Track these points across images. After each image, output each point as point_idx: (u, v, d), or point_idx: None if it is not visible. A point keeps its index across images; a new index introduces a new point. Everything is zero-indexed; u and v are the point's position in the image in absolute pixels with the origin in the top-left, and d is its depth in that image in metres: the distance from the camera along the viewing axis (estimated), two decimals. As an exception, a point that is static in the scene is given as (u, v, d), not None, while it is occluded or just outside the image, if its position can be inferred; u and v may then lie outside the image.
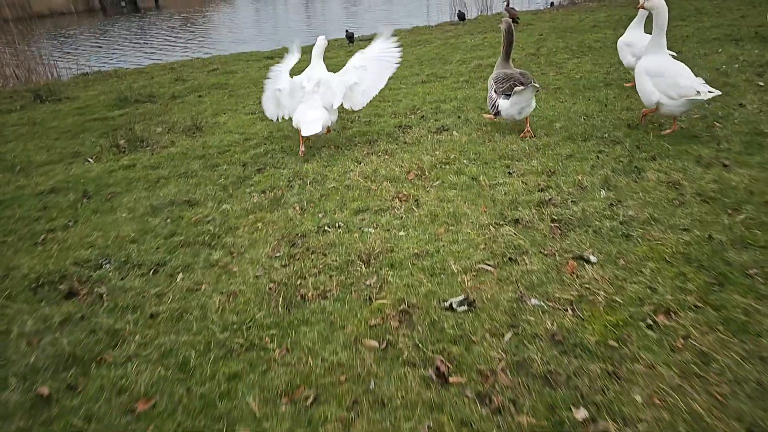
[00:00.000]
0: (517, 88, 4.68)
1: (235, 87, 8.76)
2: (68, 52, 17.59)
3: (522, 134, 5.05)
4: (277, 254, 3.40)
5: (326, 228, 3.67)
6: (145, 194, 4.63)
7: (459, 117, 5.90)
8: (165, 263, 3.43)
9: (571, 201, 3.62)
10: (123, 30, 23.10)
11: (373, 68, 5.30)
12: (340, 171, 4.72)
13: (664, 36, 4.61)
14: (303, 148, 5.26)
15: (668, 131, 4.68)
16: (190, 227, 3.91)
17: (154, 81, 9.98)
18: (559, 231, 3.25)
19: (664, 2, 4.55)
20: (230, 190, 4.56)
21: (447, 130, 5.53)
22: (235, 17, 27.58)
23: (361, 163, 4.88)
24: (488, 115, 5.38)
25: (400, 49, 5.57)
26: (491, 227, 3.40)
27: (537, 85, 4.71)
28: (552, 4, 15.65)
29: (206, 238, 3.70)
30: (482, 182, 4.12)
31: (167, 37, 19.70)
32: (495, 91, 5.02)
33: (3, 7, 33.80)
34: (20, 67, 11.90)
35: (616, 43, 6.41)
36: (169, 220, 4.08)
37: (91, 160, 5.77)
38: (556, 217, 3.42)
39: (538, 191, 3.86)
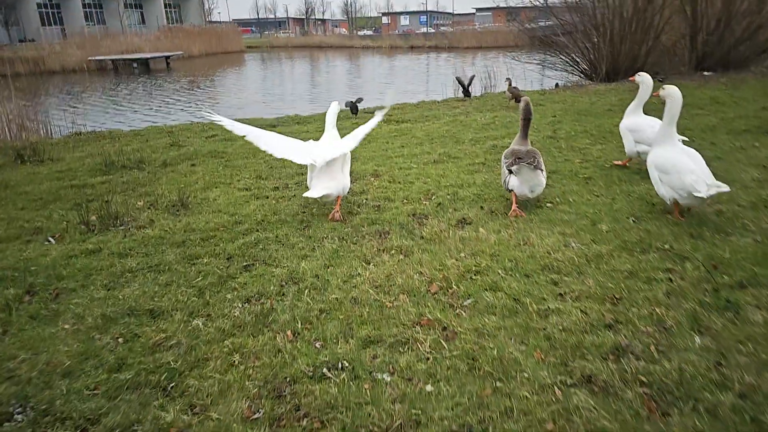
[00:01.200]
0: (513, 168, 4.61)
1: (231, 157, 7.94)
2: (64, 109, 16.98)
3: (510, 213, 4.79)
4: (256, 415, 2.36)
5: (325, 370, 2.64)
6: (102, 294, 3.62)
7: (482, 207, 5.02)
8: (97, 421, 2.37)
9: (657, 349, 2.64)
10: (126, 90, 22.77)
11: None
12: (345, 274, 3.75)
13: (675, 126, 4.43)
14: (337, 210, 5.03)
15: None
16: (146, 355, 2.87)
17: (148, 144, 9.17)
18: (655, 406, 2.24)
19: (679, 93, 4.41)
20: (207, 295, 3.55)
21: (470, 224, 4.62)
22: (243, 81, 27.53)
23: (371, 264, 3.92)
24: (513, 212, 4.86)
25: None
26: (556, 389, 2.39)
27: (531, 165, 4.53)
28: (557, 85, 15.36)
29: (163, 378, 2.65)
30: (528, 306, 3.15)
31: (170, 99, 19.27)
32: (506, 168, 4.84)
33: (17, 62, 34.00)
34: (12, 122, 11.14)
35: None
36: (121, 340, 3.04)
37: (52, 239, 4.79)
38: (644, 379, 2.43)
39: (606, 328, 2.88)
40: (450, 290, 3.43)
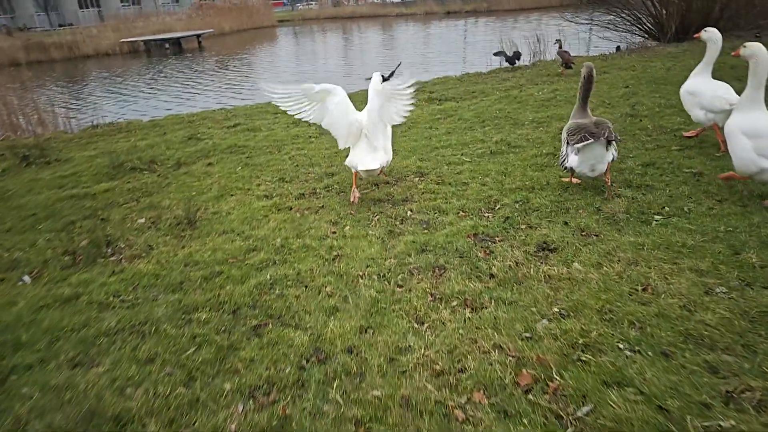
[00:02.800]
0: (578, 144, 3.93)
1: (254, 152, 6.87)
2: (81, 99, 16.30)
3: (606, 194, 4.13)
4: None
5: None
6: (62, 379, 2.63)
7: (566, 223, 3.77)
8: None
9: None
10: (155, 74, 21.98)
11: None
12: (391, 346, 2.62)
13: (762, 91, 3.77)
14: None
15: None
16: None
17: (164, 139, 8.22)
18: None
19: (765, 50, 3.79)
20: (197, 383, 2.50)
21: (555, 251, 3.40)
22: (274, 58, 26.40)
23: (425, 326, 2.78)
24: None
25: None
26: None
27: (607, 139, 3.87)
28: (618, 48, 13.52)
29: None
30: (684, 422, 1.97)
31: (198, 81, 18.37)
32: (568, 144, 4.14)
33: (51, 48, 33.86)
34: (26, 115, 10.42)
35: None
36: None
37: (27, 278, 3.85)
38: None
39: None
40: (551, 384, 2.26)
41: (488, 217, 4.06)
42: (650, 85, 8.18)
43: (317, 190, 5.17)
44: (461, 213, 4.18)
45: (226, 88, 16.31)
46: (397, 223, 4.16)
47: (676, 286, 2.86)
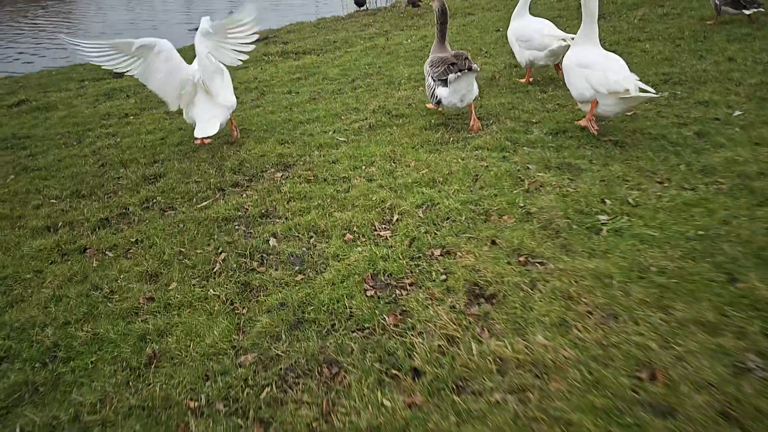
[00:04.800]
0: (450, 76, 3.76)
1: (40, 145, 4.62)
2: None
3: (469, 128, 3.94)
4: None
5: None
6: None
7: (495, 242, 2.53)
8: None
9: None
10: None
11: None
12: None
13: (596, 25, 3.70)
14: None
15: None
16: None
17: None
18: None
19: None
20: None
21: (495, 302, 2.13)
22: (101, 2, 21.46)
23: None
24: (430, 105, 4.32)
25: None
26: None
27: (475, 68, 3.77)
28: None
29: None
30: None
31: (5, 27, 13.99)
32: (432, 78, 4.00)
33: None
34: None
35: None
36: None
37: None
38: None
39: None
40: None
41: (386, 238, 2.66)
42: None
43: (130, 209, 3.34)
44: (348, 235, 2.72)
45: (24, 47, 12.49)
46: (254, 264, 2.59)
47: (692, 367, 1.75)
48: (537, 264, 2.34)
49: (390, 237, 2.61)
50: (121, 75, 7.18)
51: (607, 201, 2.73)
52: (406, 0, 10.82)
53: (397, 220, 2.74)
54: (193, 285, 2.47)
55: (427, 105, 4.35)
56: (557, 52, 4.60)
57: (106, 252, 2.90)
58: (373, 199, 2.97)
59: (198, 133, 3.87)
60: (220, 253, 2.72)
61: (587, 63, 3.61)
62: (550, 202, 2.77)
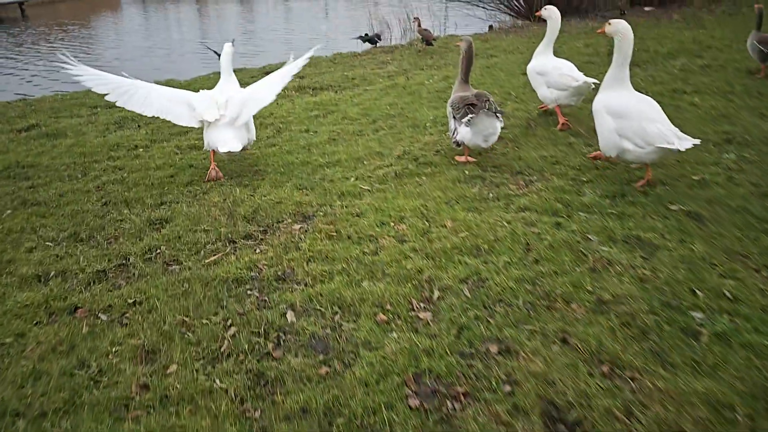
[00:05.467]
0: (466, 119, 3.73)
1: (44, 176, 4.26)
2: None
3: (461, 158, 3.98)
4: None
5: None
6: None
7: (566, 341, 2.09)
8: None
9: None
10: None
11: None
12: None
13: (627, 69, 3.50)
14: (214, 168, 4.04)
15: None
16: None
17: None
18: None
19: (629, 27, 3.51)
20: None
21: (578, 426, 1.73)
22: (120, 29, 21.57)
23: None
24: (460, 158, 4.08)
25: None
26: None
27: (494, 110, 3.73)
28: (491, 27, 12.37)
29: None
30: None
31: (7, 59, 13.90)
32: (453, 118, 3.94)
33: None
34: None
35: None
36: None
37: None
38: None
39: None
40: None
41: (427, 322, 2.24)
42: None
43: (130, 260, 2.94)
44: (380, 314, 2.31)
45: (42, 70, 12.35)
46: (270, 346, 2.17)
47: None
48: (627, 379, 1.88)
49: (432, 321, 2.19)
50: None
51: (698, 292, 2.29)
52: (421, 38, 10.73)
53: (439, 298, 2.33)
54: (197, 370, 2.04)
55: (457, 158, 4.08)
56: (581, 90, 4.45)
57: (99, 315, 2.49)
58: (408, 267, 2.56)
59: (222, 149, 3.79)
60: (230, 326, 2.31)
61: (620, 111, 3.39)
62: (627, 288, 2.33)
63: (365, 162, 4.21)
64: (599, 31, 3.75)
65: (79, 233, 3.29)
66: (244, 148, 4.01)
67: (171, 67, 11.62)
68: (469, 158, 4.00)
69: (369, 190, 3.65)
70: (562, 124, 4.63)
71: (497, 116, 3.78)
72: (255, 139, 4.29)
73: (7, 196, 3.95)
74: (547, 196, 3.22)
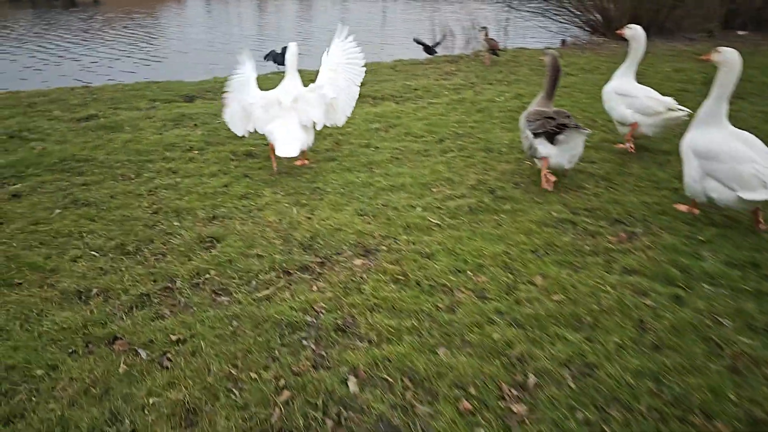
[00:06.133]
0: (559, 136, 3.52)
1: (97, 172, 4.11)
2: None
3: (542, 183, 3.68)
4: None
5: None
6: None
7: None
8: None
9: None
10: (21, 31, 17.18)
11: (342, 79, 4.31)
12: None
13: (726, 104, 3.14)
14: (276, 166, 4.15)
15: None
16: None
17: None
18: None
19: (738, 58, 3.15)
20: None
21: None
22: (182, 21, 22.06)
23: None
24: (545, 185, 3.74)
25: (360, 48, 4.52)
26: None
27: (586, 131, 3.53)
28: (563, 42, 11.75)
29: None
30: None
31: (75, 43, 14.30)
32: (536, 134, 3.64)
33: None
34: None
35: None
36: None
37: None
38: None
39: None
40: None
41: (522, 418, 1.80)
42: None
43: (177, 284, 2.68)
44: (463, 399, 1.92)
45: (106, 57, 12.60)
46: (329, 424, 1.82)
47: None
48: None
49: (528, 419, 1.78)
50: (191, 99, 6.79)
51: None
52: (487, 48, 10.28)
53: (536, 386, 1.92)
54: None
55: (544, 185, 3.75)
56: (670, 121, 4.08)
57: (139, 351, 2.22)
58: (493, 336, 2.17)
59: (279, 152, 3.85)
60: (282, 388, 1.98)
61: (716, 154, 3.06)
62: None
63: (433, 189, 3.84)
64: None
65: (126, 244, 3.06)
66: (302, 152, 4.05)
67: (228, 62, 11.64)
68: (549, 175, 3.72)
69: (439, 225, 3.27)
70: (629, 146, 4.36)
71: (584, 133, 3.59)
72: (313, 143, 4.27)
73: (59, 192, 3.80)
74: (657, 256, 2.74)
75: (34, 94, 6.97)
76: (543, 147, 3.64)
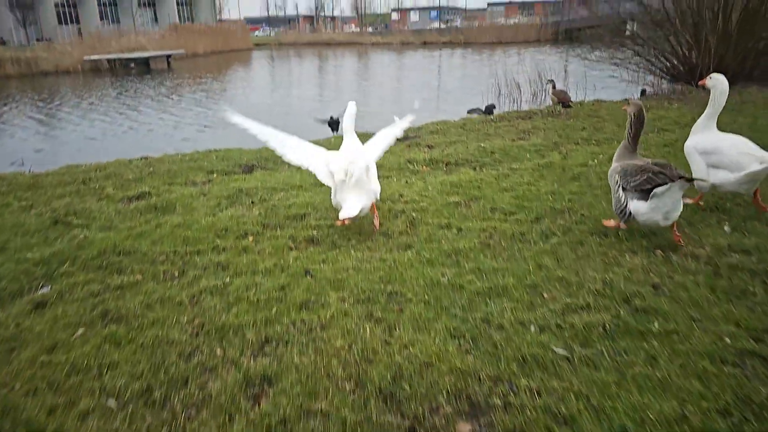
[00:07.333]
0: (657, 189, 3.16)
1: (136, 269, 3.50)
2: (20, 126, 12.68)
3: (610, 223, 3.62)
4: None
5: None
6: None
7: None
8: None
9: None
10: (94, 98, 18.16)
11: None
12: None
13: (716, 118, 3.92)
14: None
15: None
16: None
17: (18, 220, 4.81)
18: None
19: (726, 82, 3.84)
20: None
21: None
22: (247, 84, 22.87)
23: None
24: (611, 222, 3.67)
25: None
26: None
27: (687, 177, 3.13)
28: (644, 92, 10.73)
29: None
30: None
31: (148, 108, 14.79)
32: (623, 188, 3.40)
33: (6, 63, 29.60)
34: None
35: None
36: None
37: None
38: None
39: None
40: None
41: None
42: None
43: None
44: None
45: (171, 123, 12.80)
46: None
47: None
48: None
49: None
50: (250, 170, 6.32)
51: None
52: (556, 101, 9.51)
53: None
54: None
55: (606, 222, 3.74)
56: (759, 176, 3.65)
57: None
58: None
59: (342, 215, 3.76)
60: None
61: (719, 148, 3.73)
62: None
63: (544, 294, 2.91)
64: (700, 82, 4.10)
65: (152, 389, 2.33)
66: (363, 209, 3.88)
67: (287, 127, 11.45)
68: (621, 224, 3.54)
69: (568, 360, 2.34)
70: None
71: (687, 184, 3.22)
72: (379, 193, 4.06)
73: (90, 299, 3.19)
74: None
75: (92, 168, 6.75)
76: (636, 204, 3.33)
